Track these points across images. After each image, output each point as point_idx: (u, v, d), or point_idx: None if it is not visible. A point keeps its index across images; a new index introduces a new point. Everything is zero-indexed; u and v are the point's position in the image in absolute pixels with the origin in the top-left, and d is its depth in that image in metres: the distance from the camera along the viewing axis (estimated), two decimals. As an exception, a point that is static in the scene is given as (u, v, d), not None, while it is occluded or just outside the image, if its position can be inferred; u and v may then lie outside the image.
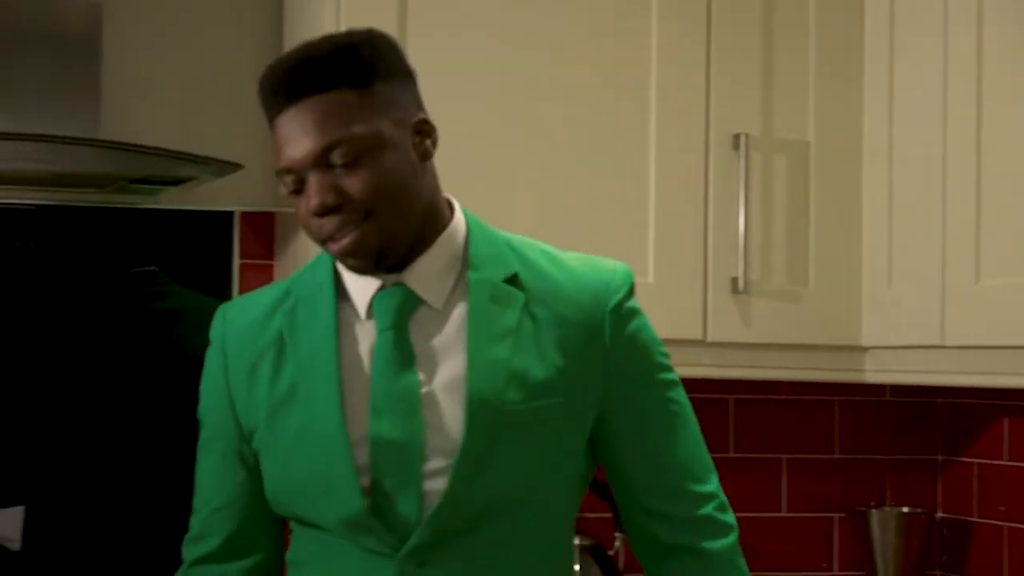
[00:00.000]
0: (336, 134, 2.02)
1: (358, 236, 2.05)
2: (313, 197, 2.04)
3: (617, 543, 3.36)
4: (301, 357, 2.13)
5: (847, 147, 3.25)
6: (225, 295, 3.30)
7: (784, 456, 3.62)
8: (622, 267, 2.23)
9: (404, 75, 2.11)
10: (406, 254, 2.11)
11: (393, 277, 2.12)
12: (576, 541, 3.31)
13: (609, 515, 3.37)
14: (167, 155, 2.94)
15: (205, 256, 3.31)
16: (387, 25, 3.00)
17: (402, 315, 2.11)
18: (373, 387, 2.09)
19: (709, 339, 3.17)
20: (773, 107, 3.22)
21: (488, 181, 3.07)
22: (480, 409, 2.06)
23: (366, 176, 2.03)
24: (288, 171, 2.06)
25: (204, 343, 2.24)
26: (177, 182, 3.13)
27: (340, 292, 2.16)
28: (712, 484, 2.23)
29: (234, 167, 2.99)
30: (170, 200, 3.26)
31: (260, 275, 3.31)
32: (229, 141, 3.27)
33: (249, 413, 2.17)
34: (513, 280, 2.14)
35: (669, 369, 2.22)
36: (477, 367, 2.08)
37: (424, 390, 2.08)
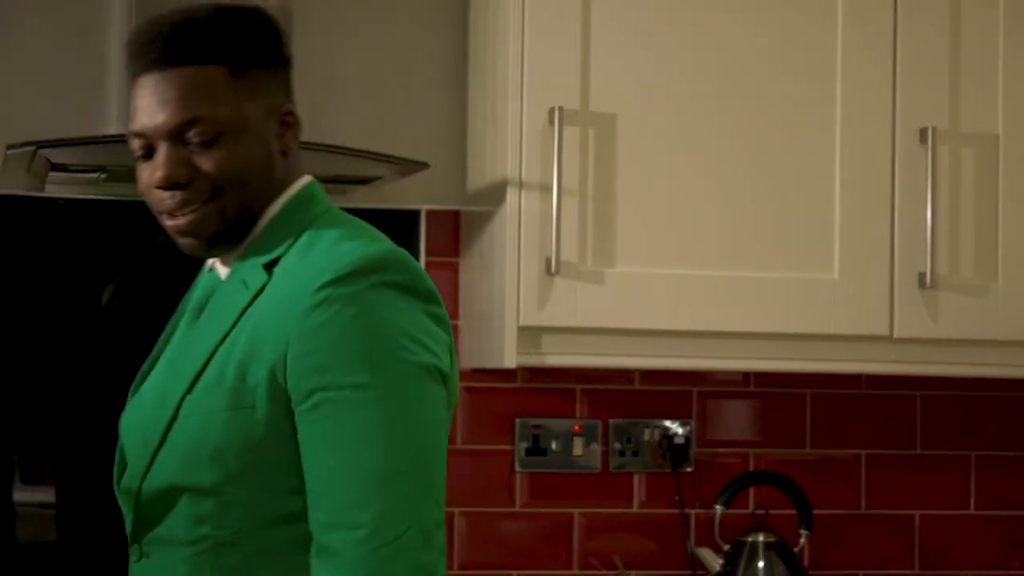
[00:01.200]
0: (198, 111, 1.93)
1: (197, 217, 1.96)
2: (161, 168, 1.95)
3: (802, 540, 3.34)
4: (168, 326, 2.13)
5: (1037, 140, 3.21)
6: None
7: (972, 453, 3.57)
8: (367, 250, 1.92)
9: (281, 61, 2.01)
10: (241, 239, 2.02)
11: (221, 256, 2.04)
12: (761, 538, 3.30)
13: (793, 511, 3.36)
14: (355, 155, 2.99)
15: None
16: (571, 25, 3.03)
17: (206, 296, 2.04)
18: (155, 370, 2.05)
19: (896, 335, 3.14)
20: (961, 100, 3.17)
21: (674, 178, 3.07)
22: (159, 399, 1.97)
23: (221, 158, 1.94)
24: (139, 135, 1.96)
25: None
26: (364, 181, 3.17)
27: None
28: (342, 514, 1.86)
29: (420, 166, 3.03)
30: (357, 199, 3.31)
31: (446, 273, 3.34)
32: (415, 140, 3.31)
33: None
34: (271, 264, 1.97)
35: (358, 373, 1.86)
36: (176, 352, 2.01)
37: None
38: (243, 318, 1.94)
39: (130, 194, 3.20)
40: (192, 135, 1.94)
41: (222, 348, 1.94)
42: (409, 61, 3.37)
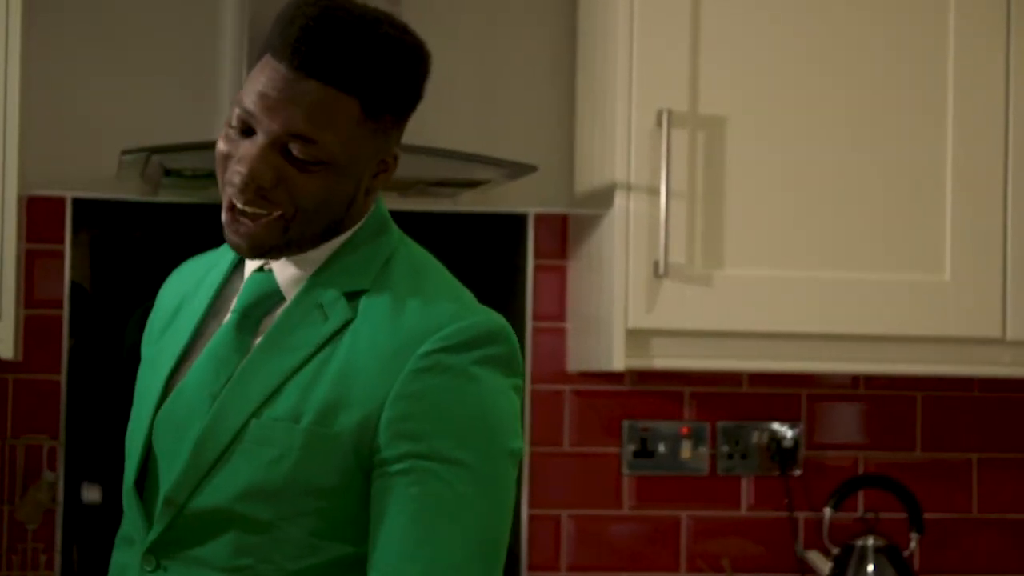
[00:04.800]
0: (315, 134, 1.82)
1: (259, 228, 1.86)
2: (249, 162, 1.84)
3: (912, 543, 3.32)
4: (180, 321, 2.01)
5: None
6: (520, 297, 3.35)
7: (1087, 457, 3.54)
8: (475, 318, 1.87)
9: (412, 110, 1.92)
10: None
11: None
12: (870, 541, 3.28)
13: (904, 515, 3.33)
14: (463, 158, 3.00)
15: (500, 258, 3.37)
16: (679, 28, 3.03)
17: (257, 303, 1.92)
18: (194, 366, 1.93)
19: (1009, 337, 3.11)
20: (1075, 98, 3.15)
21: (782, 180, 3.07)
22: (220, 416, 1.87)
23: (311, 185, 1.84)
24: (248, 114, 1.85)
25: None
26: (473, 184, 3.19)
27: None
28: None
29: (529, 169, 3.04)
30: (466, 203, 3.32)
31: (554, 276, 3.35)
32: (523, 143, 3.33)
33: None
34: (354, 296, 1.89)
35: (456, 449, 1.82)
36: (245, 372, 1.88)
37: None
38: (322, 352, 1.86)
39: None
40: (296, 150, 1.83)
41: (296, 379, 1.86)
42: (517, 64, 3.38)
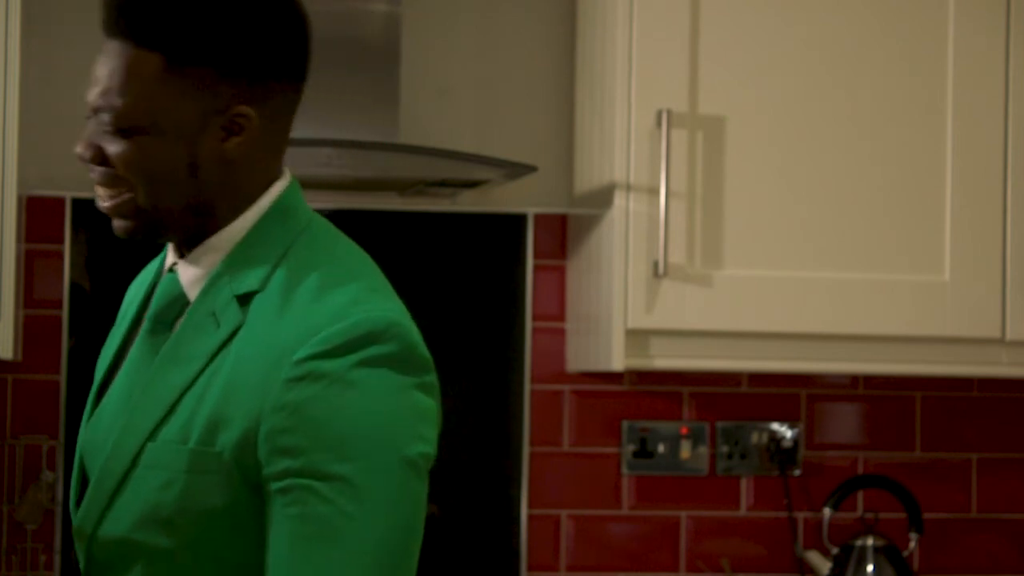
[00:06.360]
0: (116, 99, 1.73)
1: (114, 208, 1.78)
2: (78, 142, 1.79)
3: (912, 543, 3.32)
4: (115, 331, 1.92)
5: None
6: (520, 297, 3.35)
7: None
8: (356, 315, 1.70)
9: (243, 56, 1.74)
10: (191, 235, 1.79)
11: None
12: (870, 542, 3.28)
13: (903, 515, 3.33)
14: (463, 158, 3.00)
15: (499, 258, 3.37)
16: (679, 28, 3.03)
17: (167, 308, 1.80)
18: (115, 382, 1.83)
19: (1008, 338, 3.11)
20: (1074, 99, 3.15)
21: (781, 181, 3.07)
22: (120, 439, 1.76)
23: (126, 152, 1.74)
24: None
25: None
26: (472, 185, 3.19)
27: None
28: None
29: (528, 169, 3.04)
30: (465, 203, 3.32)
31: (553, 276, 3.35)
32: (522, 143, 3.33)
33: None
34: (246, 299, 1.75)
35: (335, 463, 1.66)
36: (145, 389, 1.77)
37: None
38: (213, 363, 1.72)
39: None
40: (107, 119, 1.74)
41: (189, 395, 1.73)
42: (517, 64, 3.38)
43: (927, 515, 3.39)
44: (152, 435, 1.74)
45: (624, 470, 3.38)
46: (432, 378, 1.74)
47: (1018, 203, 3.11)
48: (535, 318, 3.36)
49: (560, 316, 3.35)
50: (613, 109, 3.05)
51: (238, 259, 1.77)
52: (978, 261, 3.10)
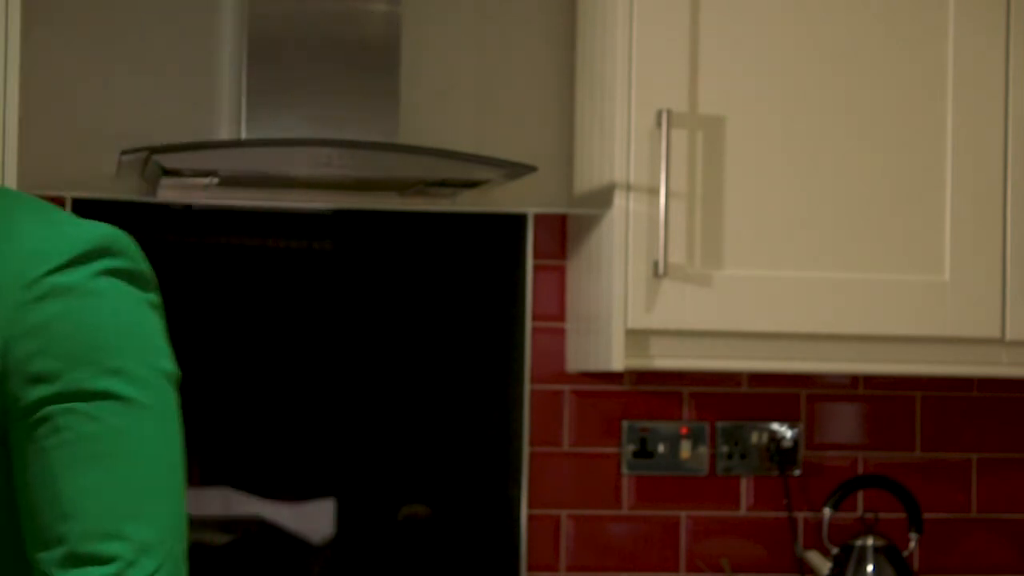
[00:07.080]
0: None
1: None
2: None
3: (912, 543, 3.32)
4: None
5: None
6: (519, 297, 3.35)
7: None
8: (86, 232, 1.56)
9: None
10: None
11: None
12: (870, 542, 3.28)
13: (903, 515, 3.34)
14: (462, 158, 3.00)
15: (499, 258, 3.37)
16: (679, 28, 3.03)
17: None
18: None
19: (1008, 338, 3.11)
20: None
21: (782, 181, 3.07)
22: None
23: None
24: None
25: None
26: (472, 184, 3.19)
27: None
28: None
29: (528, 169, 3.04)
30: (465, 203, 3.32)
31: (553, 276, 3.35)
32: (522, 143, 3.33)
33: None
34: None
35: (98, 378, 1.52)
36: None
37: None
38: None
39: (243, 199, 3.24)
40: None
41: None
42: (516, 64, 3.38)
43: (927, 515, 3.39)
44: None
45: (624, 470, 3.38)
46: (158, 298, 1.61)
47: (1018, 203, 3.11)
48: (535, 318, 3.36)
49: (560, 316, 3.36)
50: (613, 109, 3.05)
51: None
52: (978, 261, 3.10)
